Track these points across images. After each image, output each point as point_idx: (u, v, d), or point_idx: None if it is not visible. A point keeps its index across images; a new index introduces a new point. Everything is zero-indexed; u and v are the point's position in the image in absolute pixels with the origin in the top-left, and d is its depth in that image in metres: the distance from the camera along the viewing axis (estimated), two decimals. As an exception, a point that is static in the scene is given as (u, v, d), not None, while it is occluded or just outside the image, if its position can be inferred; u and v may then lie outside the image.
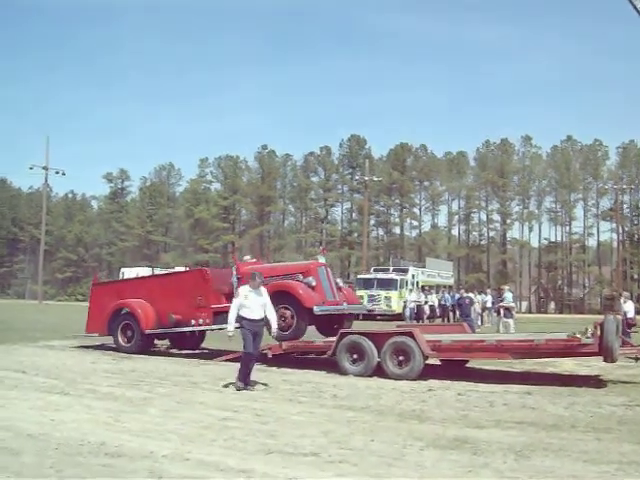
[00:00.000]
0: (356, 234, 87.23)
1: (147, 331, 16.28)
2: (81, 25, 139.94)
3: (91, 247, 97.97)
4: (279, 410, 9.03)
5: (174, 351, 17.44)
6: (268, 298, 11.41)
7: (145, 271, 45.46)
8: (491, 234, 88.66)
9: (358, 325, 17.60)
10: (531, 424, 8.19)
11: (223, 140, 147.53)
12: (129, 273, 46.45)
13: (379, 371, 12.44)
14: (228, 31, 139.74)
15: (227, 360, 14.54)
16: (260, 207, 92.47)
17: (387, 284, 41.32)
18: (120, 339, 16.62)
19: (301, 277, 14.86)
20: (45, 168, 58.27)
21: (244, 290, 11.31)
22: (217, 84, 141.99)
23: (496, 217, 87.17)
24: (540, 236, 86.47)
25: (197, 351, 17.26)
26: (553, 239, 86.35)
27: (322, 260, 16.84)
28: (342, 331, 13.41)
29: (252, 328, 11.06)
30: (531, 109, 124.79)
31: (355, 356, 12.78)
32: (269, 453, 6.64)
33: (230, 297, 14.30)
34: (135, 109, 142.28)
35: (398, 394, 10.51)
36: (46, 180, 60.62)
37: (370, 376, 12.36)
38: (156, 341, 17.42)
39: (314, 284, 14.70)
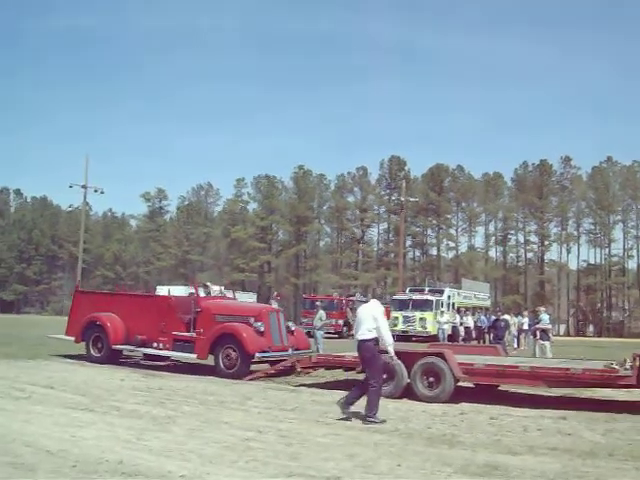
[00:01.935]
0: (392, 255, 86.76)
1: (114, 346, 17.03)
2: (119, 39, 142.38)
3: (129, 265, 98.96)
4: (305, 431, 8.80)
5: (146, 362, 17.95)
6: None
7: (180, 290, 45.52)
8: (529, 256, 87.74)
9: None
10: (566, 451, 7.84)
11: (260, 160, 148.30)
12: (164, 292, 46.59)
13: (409, 392, 12.15)
14: (267, 52, 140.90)
15: (253, 379, 14.68)
16: (296, 227, 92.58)
17: (422, 305, 40.84)
18: (91, 349, 17.45)
19: (252, 320, 15.70)
20: (84, 186, 58.76)
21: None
22: (256, 104, 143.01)
23: (534, 238, 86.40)
24: (579, 258, 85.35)
25: (166, 363, 17.79)
26: (592, 261, 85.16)
27: (275, 305, 19.35)
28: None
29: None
30: (570, 130, 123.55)
31: (385, 376, 12.48)
32: (290, 476, 6.41)
33: (189, 327, 16.03)
34: (173, 129, 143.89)
35: (428, 417, 10.22)
36: (85, 198, 61.23)
37: (399, 397, 12.07)
38: (126, 352, 17.87)
39: (262, 330, 15.54)
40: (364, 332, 10.02)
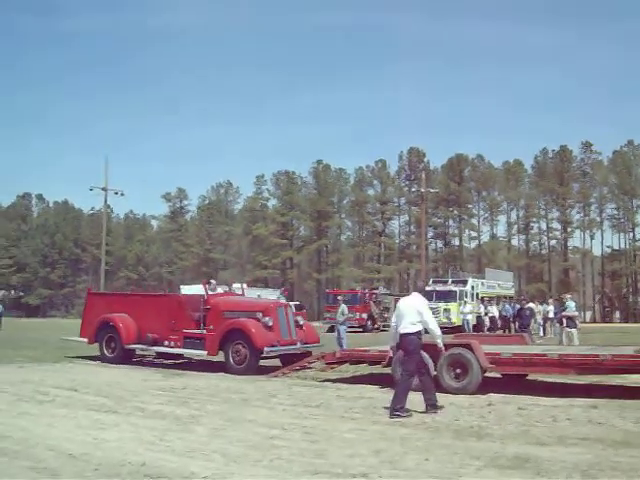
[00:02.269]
0: (414, 247, 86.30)
1: (126, 346, 17.25)
2: (137, 48, 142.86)
3: (151, 266, 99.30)
4: (330, 427, 8.65)
5: (159, 361, 18.16)
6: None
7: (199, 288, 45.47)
8: (552, 243, 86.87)
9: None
10: (597, 441, 7.63)
11: (279, 155, 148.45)
12: (187, 291, 46.64)
13: (436, 385, 11.95)
14: (284, 47, 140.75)
15: (276, 376, 14.61)
16: (317, 222, 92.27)
17: (446, 296, 40.54)
18: (105, 350, 17.72)
19: (260, 315, 15.84)
20: (104, 189, 58.92)
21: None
22: (272, 99, 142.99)
23: (556, 225, 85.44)
24: (602, 244, 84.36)
25: (179, 361, 17.96)
26: (616, 247, 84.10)
27: (283, 300, 19.15)
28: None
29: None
30: (589, 115, 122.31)
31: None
32: (315, 474, 6.27)
33: (199, 324, 16.24)
34: (191, 128, 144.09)
35: (455, 409, 10.02)
36: (105, 201, 61.30)
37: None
38: (139, 352, 18.06)
39: (271, 324, 15.71)
40: (407, 325, 9.87)
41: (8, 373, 14.88)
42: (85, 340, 18.44)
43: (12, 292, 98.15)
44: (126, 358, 17.46)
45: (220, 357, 16.15)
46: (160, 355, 18.19)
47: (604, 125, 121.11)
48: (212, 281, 18.99)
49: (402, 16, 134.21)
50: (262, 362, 16.07)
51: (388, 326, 45.11)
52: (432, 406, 9.82)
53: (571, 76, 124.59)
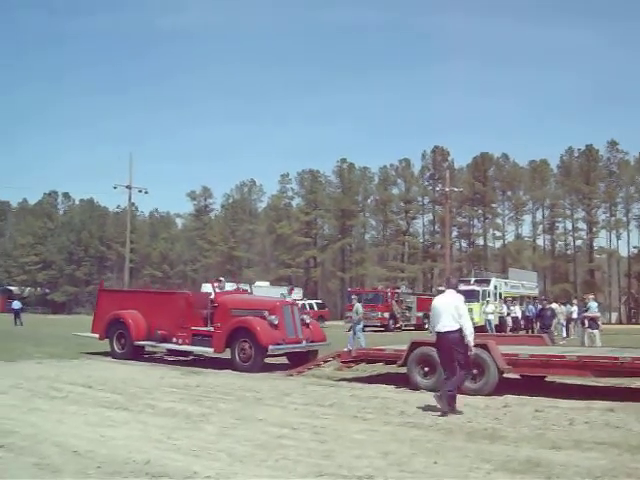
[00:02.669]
0: (438, 246, 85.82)
1: (136, 342, 17.58)
2: (160, 45, 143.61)
3: (176, 264, 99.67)
4: (340, 428, 8.52)
5: (174, 358, 18.10)
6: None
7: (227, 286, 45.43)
8: (577, 243, 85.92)
9: None
10: (614, 445, 7.41)
11: (303, 154, 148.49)
12: (209, 289, 46.57)
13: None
14: (306, 46, 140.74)
15: (292, 374, 14.59)
16: (341, 221, 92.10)
17: (468, 295, 39.78)
18: (115, 345, 18.04)
19: (267, 314, 15.95)
20: (128, 187, 59.27)
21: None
22: (296, 98, 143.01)
23: (582, 225, 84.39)
24: (629, 244, 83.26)
25: (189, 358, 18.02)
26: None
27: (289, 299, 19.49)
28: (413, 340, 12.84)
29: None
30: (615, 114, 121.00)
31: (426, 369, 12.18)
32: (320, 475, 6.13)
33: (207, 322, 16.50)
34: (216, 127, 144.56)
35: (470, 410, 9.82)
36: (130, 199, 61.65)
37: (443, 391, 11.74)
38: (148, 348, 18.50)
39: (276, 323, 15.82)
40: (448, 323, 9.71)
41: (26, 369, 14.96)
42: (96, 336, 18.70)
43: (38, 289, 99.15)
44: (136, 354, 17.76)
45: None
46: (170, 352, 18.30)
47: (631, 125, 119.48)
48: (221, 279, 19.11)
49: (428, 16, 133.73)
50: (269, 360, 16.36)
51: (410, 325, 45.19)
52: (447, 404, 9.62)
53: (598, 75, 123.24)
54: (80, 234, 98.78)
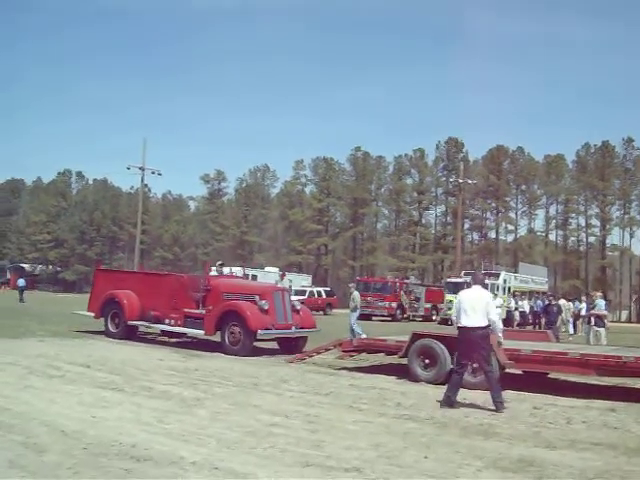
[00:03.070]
0: (450, 238, 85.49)
1: (129, 322, 17.83)
2: (174, 32, 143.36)
3: (187, 247, 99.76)
4: (334, 417, 8.42)
5: (164, 339, 18.56)
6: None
7: (236, 270, 45.35)
8: (590, 240, 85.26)
9: (443, 330, 17.40)
10: (610, 446, 7.26)
11: (318, 141, 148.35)
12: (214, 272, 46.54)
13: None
14: (324, 33, 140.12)
15: (292, 361, 14.52)
16: (354, 209, 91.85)
17: (477, 289, 40.00)
18: (109, 325, 18.36)
19: (258, 298, 16.21)
20: (142, 168, 59.23)
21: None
22: (312, 86, 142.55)
23: (595, 222, 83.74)
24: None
25: (183, 339, 18.35)
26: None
27: (281, 284, 19.97)
28: (414, 332, 12.72)
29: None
30: (633, 110, 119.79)
31: (427, 361, 12.07)
32: (307, 466, 6.02)
33: (199, 304, 16.73)
34: (230, 110, 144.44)
35: (468, 405, 9.70)
36: (142, 180, 61.50)
37: (442, 384, 11.55)
38: (142, 328, 18.60)
39: (266, 308, 16.07)
40: (478, 319, 9.53)
41: (27, 347, 14.91)
42: (92, 314, 19.05)
43: (50, 267, 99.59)
44: (129, 334, 18.00)
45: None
46: (164, 333, 18.57)
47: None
48: (218, 262, 19.84)
49: (448, 10, 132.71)
50: (260, 344, 16.65)
51: (418, 316, 45.07)
52: (449, 403, 9.50)
53: (614, 71, 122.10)
54: (93, 214, 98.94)
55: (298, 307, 17.50)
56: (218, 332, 16.37)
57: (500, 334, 9.94)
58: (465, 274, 45.06)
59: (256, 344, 16.33)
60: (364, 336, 18.82)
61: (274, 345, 17.14)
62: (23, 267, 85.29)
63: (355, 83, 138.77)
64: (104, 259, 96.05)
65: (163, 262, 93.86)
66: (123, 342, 17.18)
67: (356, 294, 22.27)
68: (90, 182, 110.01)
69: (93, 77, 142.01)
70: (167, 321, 17.40)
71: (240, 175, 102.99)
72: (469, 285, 11.03)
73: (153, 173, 61.24)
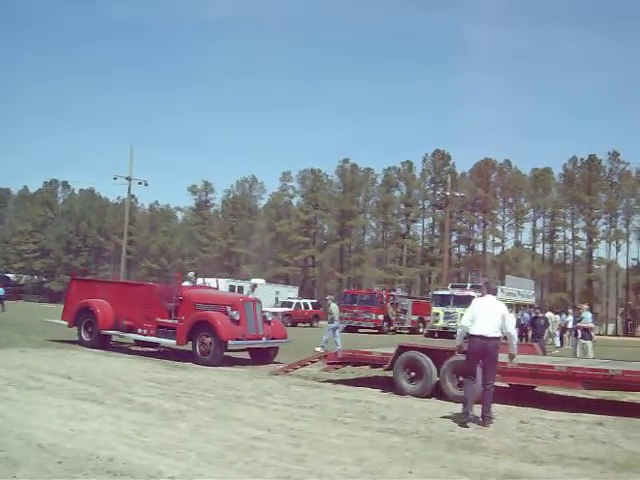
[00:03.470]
0: (437, 250, 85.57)
1: (102, 331, 17.87)
2: (163, 45, 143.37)
3: (174, 257, 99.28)
4: (318, 431, 8.27)
5: (138, 348, 18.49)
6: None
7: (222, 282, 44.96)
8: (577, 253, 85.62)
9: (429, 342, 17.30)
10: (598, 461, 7.15)
11: (305, 153, 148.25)
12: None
13: (438, 392, 11.55)
14: (311, 45, 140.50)
15: (277, 374, 14.33)
16: (341, 221, 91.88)
17: (464, 301, 39.80)
18: (83, 334, 18.36)
19: (229, 309, 16.28)
20: (128, 179, 59.09)
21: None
22: (300, 97, 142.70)
23: (582, 235, 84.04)
24: (628, 256, 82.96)
25: (157, 349, 18.40)
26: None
27: (252, 296, 20.47)
28: (400, 344, 12.58)
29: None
30: (619, 124, 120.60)
31: (413, 374, 11.94)
32: (288, 481, 5.89)
33: (172, 314, 16.84)
34: (218, 122, 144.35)
35: (454, 419, 9.55)
36: (129, 190, 61.36)
37: (428, 397, 11.51)
38: (115, 338, 18.69)
39: (237, 318, 16.16)
40: (492, 330, 9.34)
41: (8, 357, 14.63)
42: (66, 323, 19.04)
43: (35, 277, 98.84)
44: (102, 343, 18.04)
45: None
46: (138, 342, 18.55)
47: (633, 136, 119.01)
48: (190, 274, 20.01)
49: (432, 20, 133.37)
50: (233, 354, 17.02)
51: (405, 328, 44.94)
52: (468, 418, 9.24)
53: (604, 83, 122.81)
54: (79, 224, 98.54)
55: (269, 318, 17.68)
56: (190, 342, 16.46)
57: (514, 344, 9.78)
58: (452, 287, 45.14)
59: (228, 354, 16.52)
60: (322, 347, 19.04)
61: (246, 355, 17.27)
62: (8, 277, 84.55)
63: (343, 95, 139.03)
64: (90, 269, 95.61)
65: (150, 273, 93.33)
66: (105, 353, 16.96)
67: (334, 306, 22.14)
68: (76, 192, 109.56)
69: (80, 88, 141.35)
70: (140, 330, 17.46)
71: (227, 186, 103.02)
72: (482, 294, 10.87)
73: (140, 183, 61.18)
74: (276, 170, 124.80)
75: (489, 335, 9.31)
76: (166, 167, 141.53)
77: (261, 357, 16.83)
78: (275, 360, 16.96)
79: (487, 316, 9.42)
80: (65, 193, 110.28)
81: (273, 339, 17.13)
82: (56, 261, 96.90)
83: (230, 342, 15.80)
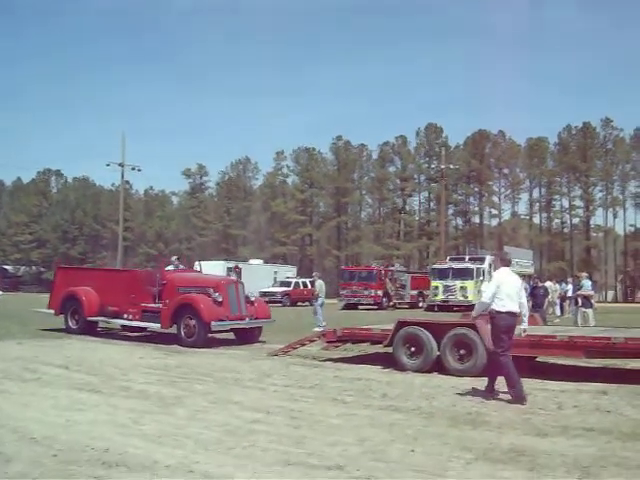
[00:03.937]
0: (434, 224, 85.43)
1: (88, 318, 18.15)
2: (157, 22, 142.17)
3: (171, 242, 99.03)
4: (318, 411, 8.13)
5: (126, 333, 18.74)
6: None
7: (221, 264, 44.75)
8: (574, 221, 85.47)
9: (431, 316, 17.27)
10: (604, 432, 7.01)
11: (299, 132, 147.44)
12: (205, 267, 46.02)
13: (439, 366, 11.44)
14: (304, 25, 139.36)
15: (276, 354, 14.22)
16: (337, 199, 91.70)
17: (463, 274, 39.93)
18: (69, 321, 18.67)
19: (212, 291, 16.52)
20: (121, 165, 58.75)
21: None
22: (291, 77, 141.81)
23: (579, 203, 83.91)
24: (625, 222, 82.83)
25: (143, 334, 18.56)
26: (639, 225, 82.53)
27: (235, 277, 20.98)
28: (399, 320, 12.43)
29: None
30: (612, 93, 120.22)
31: (413, 349, 11.81)
32: (288, 465, 5.73)
33: (155, 299, 17.05)
34: (210, 106, 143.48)
35: (455, 394, 9.45)
36: (122, 177, 61.03)
37: (429, 372, 11.40)
38: (102, 324, 19.15)
39: (220, 300, 16.41)
40: (515, 304, 9.19)
41: (5, 349, 14.58)
42: (52, 311, 19.25)
43: (33, 268, 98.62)
44: (89, 329, 18.39)
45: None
46: (124, 327, 18.72)
47: (626, 103, 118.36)
48: (173, 258, 20.45)
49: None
50: (218, 335, 17.44)
51: (404, 303, 44.89)
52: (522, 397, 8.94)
53: (597, 57, 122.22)
54: (74, 213, 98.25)
55: (252, 298, 18.03)
56: (175, 325, 16.65)
57: (527, 320, 9.55)
58: (450, 259, 45.00)
59: (213, 335, 16.86)
60: (323, 325, 19.09)
61: (231, 336, 17.54)
62: (6, 269, 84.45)
63: (337, 67, 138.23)
64: (87, 258, 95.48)
65: (147, 258, 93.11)
66: (102, 341, 16.98)
67: (319, 283, 22.48)
68: (70, 181, 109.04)
69: (69, 71, 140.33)
70: (125, 316, 17.67)
71: (222, 168, 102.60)
72: (496, 266, 10.58)
73: (133, 169, 60.90)
74: (270, 150, 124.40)
75: (516, 311, 9.17)
76: (160, 153, 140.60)
77: (246, 337, 17.07)
78: (262, 338, 17.35)
79: (512, 291, 9.20)
80: (59, 182, 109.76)
81: (257, 319, 17.44)
82: (53, 251, 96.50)
83: (213, 323, 16.01)
